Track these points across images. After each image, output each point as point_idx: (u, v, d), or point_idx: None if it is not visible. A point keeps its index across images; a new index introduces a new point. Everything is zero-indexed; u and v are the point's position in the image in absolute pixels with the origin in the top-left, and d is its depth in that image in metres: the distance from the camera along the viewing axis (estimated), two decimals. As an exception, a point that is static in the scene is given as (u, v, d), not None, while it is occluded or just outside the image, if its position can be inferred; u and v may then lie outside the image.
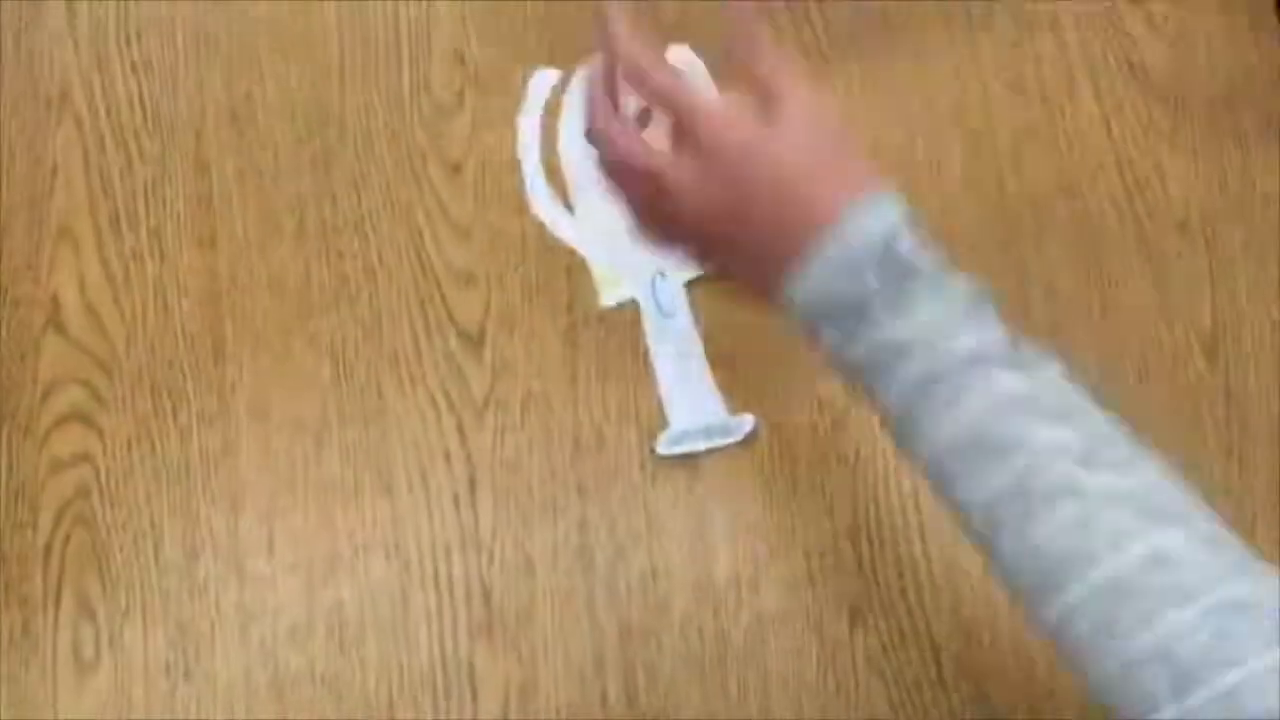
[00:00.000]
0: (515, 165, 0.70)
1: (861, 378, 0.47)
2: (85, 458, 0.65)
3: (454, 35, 0.72)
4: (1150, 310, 0.69)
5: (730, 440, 0.67)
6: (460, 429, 0.66)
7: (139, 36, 0.71)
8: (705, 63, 0.71)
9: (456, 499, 0.65)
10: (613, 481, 0.66)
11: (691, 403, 0.67)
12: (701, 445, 0.67)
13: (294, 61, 0.71)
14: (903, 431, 0.46)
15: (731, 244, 0.49)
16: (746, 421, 0.67)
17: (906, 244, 0.45)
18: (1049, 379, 0.47)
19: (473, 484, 0.66)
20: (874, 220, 0.45)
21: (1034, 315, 0.69)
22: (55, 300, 0.67)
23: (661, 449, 0.67)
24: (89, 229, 0.68)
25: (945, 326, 0.45)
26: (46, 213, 0.68)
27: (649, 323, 0.69)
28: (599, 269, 0.69)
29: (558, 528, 0.65)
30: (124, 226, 0.68)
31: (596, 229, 0.70)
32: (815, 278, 0.45)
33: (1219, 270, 0.69)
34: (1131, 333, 0.69)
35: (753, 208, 0.47)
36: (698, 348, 0.68)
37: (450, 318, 0.68)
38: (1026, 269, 0.69)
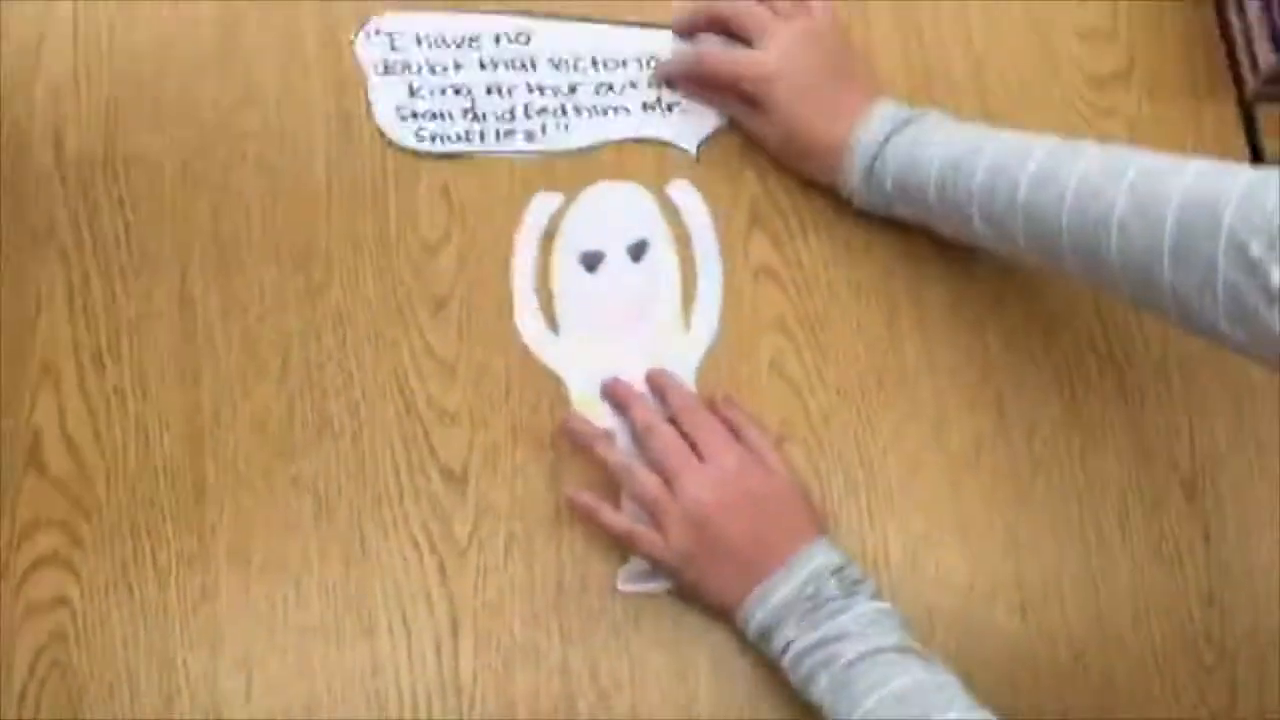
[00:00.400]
0: (500, 302, 0.71)
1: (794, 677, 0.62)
2: (62, 602, 0.64)
3: (441, 172, 0.73)
4: (1129, 451, 0.70)
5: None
6: (442, 570, 0.66)
7: (126, 171, 0.71)
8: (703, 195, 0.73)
9: (438, 643, 0.65)
10: (595, 624, 0.66)
11: (658, 540, 0.68)
12: (664, 585, 0.67)
13: (281, 198, 0.71)
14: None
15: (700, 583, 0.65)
16: None
17: (832, 584, 0.61)
18: (941, 675, 0.60)
19: (454, 627, 0.65)
20: (812, 564, 0.62)
21: (1015, 454, 0.70)
22: (36, 436, 0.67)
23: (622, 585, 0.67)
24: (71, 364, 0.68)
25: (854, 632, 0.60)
26: (29, 347, 0.68)
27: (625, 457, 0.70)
28: (578, 397, 0.70)
29: (539, 672, 0.65)
30: (107, 362, 0.68)
31: (579, 357, 0.70)
32: (765, 609, 0.62)
33: (1197, 412, 0.71)
34: (1111, 474, 0.70)
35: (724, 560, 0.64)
36: (672, 485, 0.69)
37: (434, 456, 0.68)
38: (1005, 406, 0.71)
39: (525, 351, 0.70)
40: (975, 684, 0.59)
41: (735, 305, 0.71)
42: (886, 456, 0.69)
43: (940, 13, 0.77)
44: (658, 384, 0.69)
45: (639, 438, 0.67)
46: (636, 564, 0.67)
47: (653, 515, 0.65)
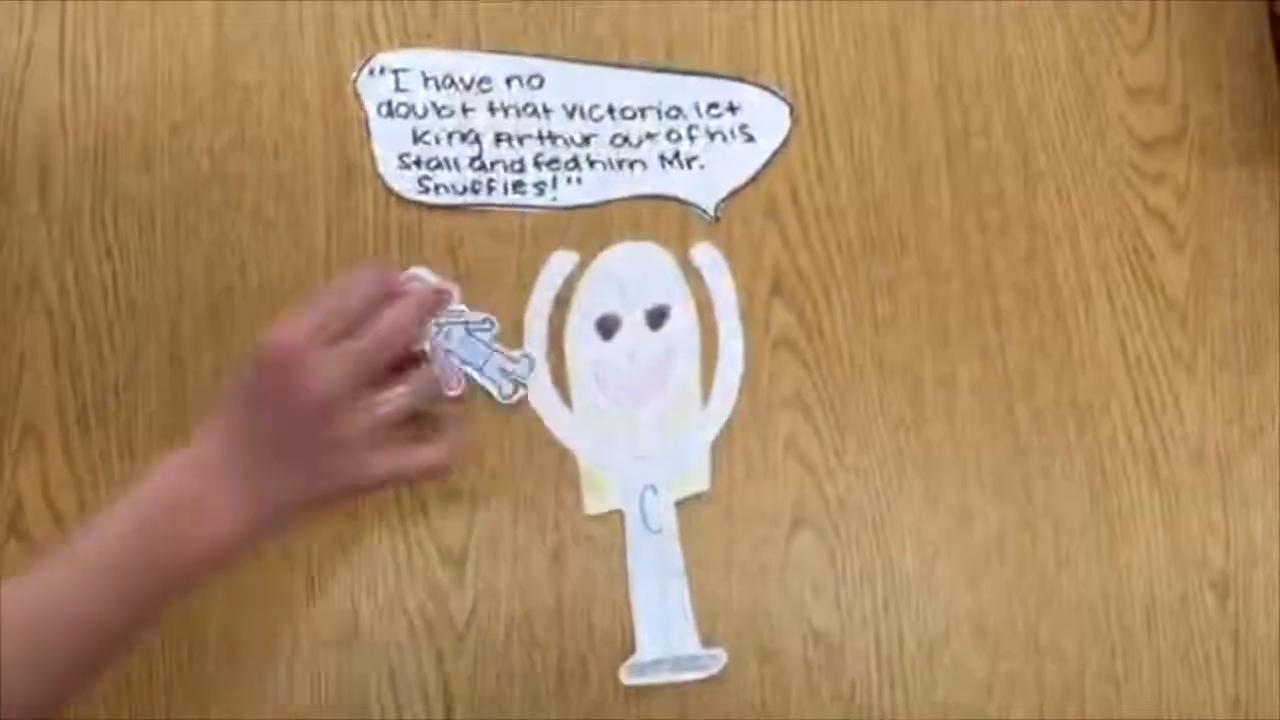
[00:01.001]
0: (528, 353, 0.68)
1: None
2: (44, 679, 0.63)
3: (446, 225, 0.69)
4: (1161, 547, 0.67)
5: (700, 675, 0.65)
6: (439, 658, 0.65)
7: (115, 219, 0.68)
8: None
9: (433, 732, 0.64)
10: (597, 715, 0.64)
11: (663, 630, 0.66)
12: (669, 678, 0.65)
13: (277, 251, 0.69)
14: None
15: None
16: (719, 657, 0.65)
17: None
18: None
19: (450, 717, 0.64)
20: None
21: (1040, 547, 0.67)
22: (18, 503, 0.65)
23: (626, 679, 0.65)
24: (55, 426, 0.66)
25: None
26: (12, 408, 0.66)
27: (632, 537, 0.67)
28: (588, 474, 0.67)
29: (538, 768, 0.64)
30: (93, 424, 0.66)
31: (592, 431, 0.68)
32: None
33: (1234, 507, 0.68)
34: (1140, 570, 0.67)
35: None
36: (680, 569, 0.66)
37: (432, 534, 0.66)
38: (1033, 496, 0.68)
39: (532, 421, 0.67)
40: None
41: (753, 379, 0.68)
42: (905, 545, 0.67)
43: (981, 66, 0.73)
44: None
45: None
46: (642, 655, 0.65)
47: None
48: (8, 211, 0.68)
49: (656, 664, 0.65)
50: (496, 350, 0.67)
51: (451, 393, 0.66)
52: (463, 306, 0.67)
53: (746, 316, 0.69)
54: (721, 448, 0.68)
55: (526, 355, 0.67)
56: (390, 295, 0.63)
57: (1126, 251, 0.71)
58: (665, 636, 0.66)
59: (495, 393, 0.67)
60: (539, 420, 0.67)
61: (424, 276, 0.68)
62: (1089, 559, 0.67)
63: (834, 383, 0.69)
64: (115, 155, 0.69)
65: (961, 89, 0.72)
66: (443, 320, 0.66)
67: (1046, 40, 0.74)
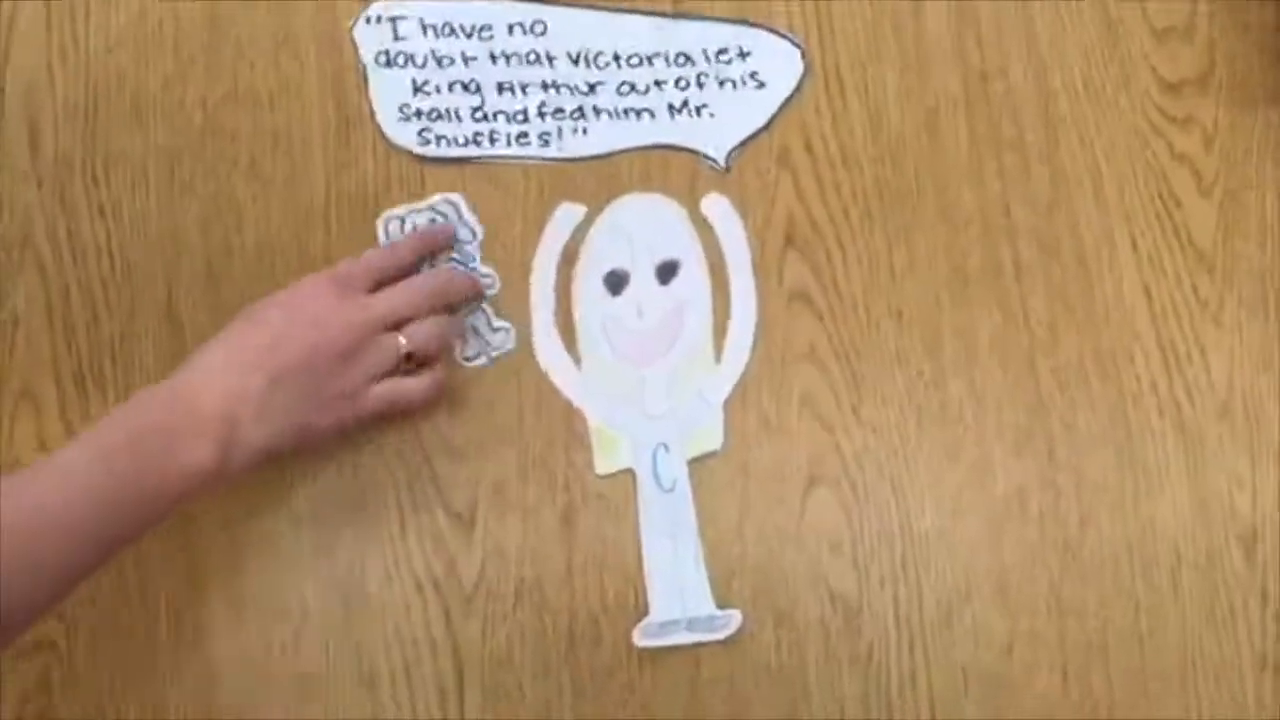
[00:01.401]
0: (514, 324, 0.67)
1: None
2: (49, 645, 0.62)
3: (448, 178, 0.68)
4: (1186, 501, 0.66)
5: (715, 637, 0.64)
6: (447, 616, 0.64)
7: (107, 176, 0.67)
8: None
9: (443, 695, 0.63)
10: (608, 679, 0.63)
11: (677, 591, 0.65)
12: (684, 639, 0.64)
13: (275, 208, 0.67)
14: None
15: None
16: (734, 618, 0.64)
17: None
18: None
19: (460, 679, 0.63)
20: None
21: (1063, 502, 0.66)
22: (15, 465, 0.63)
23: (639, 640, 0.64)
24: (52, 388, 0.65)
25: None
26: (6, 370, 0.65)
27: (644, 496, 0.66)
28: (598, 432, 0.66)
29: (550, 729, 0.63)
30: (89, 385, 0.65)
31: (602, 389, 0.66)
32: None
33: (1261, 459, 0.66)
34: (1165, 525, 0.66)
35: None
36: (693, 528, 0.65)
37: (439, 493, 0.65)
38: (1055, 451, 0.66)
39: (541, 380, 0.66)
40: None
41: (767, 334, 0.67)
42: (924, 502, 0.65)
43: (1000, 5, 0.71)
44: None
45: None
46: (655, 616, 0.64)
47: None
48: (-3, 168, 0.67)
49: (670, 625, 0.64)
50: (483, 309, 0.66)
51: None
52: (477, 254, 0.66)
53: (759, 269, 0.68)
54: (735, 405, 0.66)
55: (506, 327, 0.66)
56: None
57: (1152, 198, 0.69)
58: (679, 597, 0.65)
59: (456, 350, 0.66)
60: (547, 378, 0.66)
61: (457, 203, 0.66)
62: (1112, 515, 0.66)
63: (850, 336, 0.67)
64: (106, 110, 0.68)
65: (980, 29, 0.70)
66: (451, 257, 0.66)
67: (1068, -21, 0.72)
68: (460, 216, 0.67)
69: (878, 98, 0.70)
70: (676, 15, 0.70)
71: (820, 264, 0.68)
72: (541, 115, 0.69)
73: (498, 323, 0.66)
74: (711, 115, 0.69)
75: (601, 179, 0.68)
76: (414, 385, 0.63)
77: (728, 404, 0.66)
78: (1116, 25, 0.71)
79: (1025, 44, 0.70)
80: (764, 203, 0.68)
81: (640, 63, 0.69)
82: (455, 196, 0.67)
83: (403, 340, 0.62)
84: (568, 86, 0.69)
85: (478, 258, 0.66)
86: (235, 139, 0.68)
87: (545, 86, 0.69)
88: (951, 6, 0.71)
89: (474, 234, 0.66)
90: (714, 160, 0.69)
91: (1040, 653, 0.65)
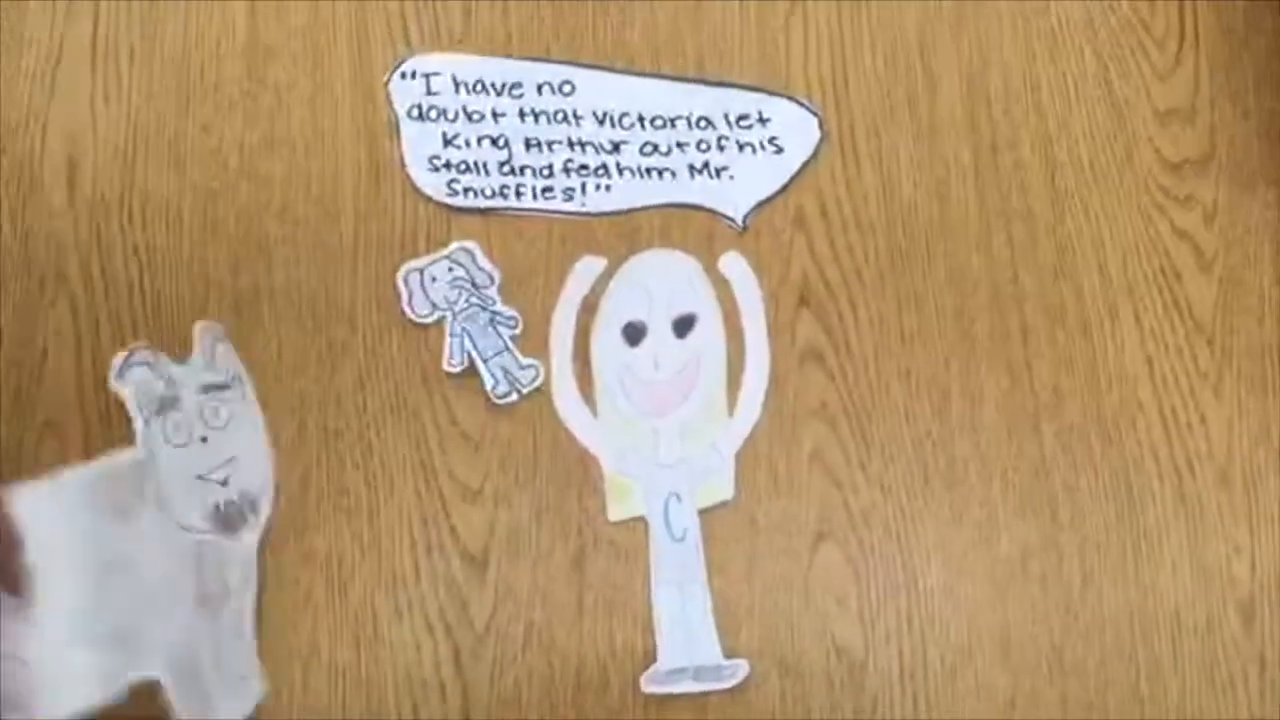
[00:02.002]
0: (538, 364, 0.69)
1: None
2: (58, 674, 0.63)
3: (474, 229, 0.70)
4: (1186, 566, 0.68)
5: (721, 687, 0.65)
6: (457, 659, 0.65)
7: (143, 215, 0.69)
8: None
9: (449, 736, 0.64)
10: (615, 724, 0.65)
11: (684, 640, 0.66)
12: (690, 687, 0.65)
13: (304, 251, 0.69)
14: None
15: None
16: (740, 668, 0.66)
17: None
18: None
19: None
20: None
21: (1065, 564, 0.67)
22: (36, 496, 0.66)
23: (646, 687, 0.65)
24: (77, 423, 0.66)
25: None
26: (33, 400, 0.67)
27: (655, 544, 0.67)
28: (611, 480, 0.68)
29: (555, 774, 0.64)
30: (114, 421, 0.66)
31: (616, 437, 0.68)
32: None
33: (1260, 527, 0.68)
34: (1166, 588, 0.68)
35: None
36: (702, 578, 0.67)
37: (454, 535, 0.66)
38: (1058, 513, 0.68)
39: (557, 427, 0.68)
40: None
41: (778, 389, 0.69)
42: (929, 559, 0.67)
43: (1010, 85, 0.74)
44: None
45: None
46: (663, 664, 0.65)
47: None
48: (36, 202, 0.69)
49: (677, 673, 0.65)
50: (509, 349, 0.68)
51: (450, 368, 0.67)
52: (497, 296, 0.68)
53: (773, 327, 0.70)
54: (746, 458, 0.68)
55: (534, 365, 0.68)
56: None
57: (1154, 272, 0.72)
58: (686, 646, 0.66)
59: (490, 387, 0.68)
60: (563, 425, 0.68)
61: (472, 250, 0.69)
62: (1114, 577, 0.68)
63: (860, 395, 0.69)
64: (145, 152, 0.70)
65: (991, 104, 0.74)
66: (472, 301, 0.68)
67: (1075, 62, 0.75)
68: (475, 262, 0.69)
69: (891, 166, 0.73)
70: (699, 81, 0.73)
71: (832, 324, 0.70)
72: (567, 171, 0.71)
73: (525, 361, 0.68)
74: (731, 177, 0.72)
75: (622, 234, 0.71)
76: None
77: (739, 457, 0.68)
78: (1122, 106, 0.74)
79: (1034, 119, 0.74)
80: (779, 263, 0.71)
81: (663, 124, 0.72)
82: (471, 244, 0.69)
83: None
84: (593, 145, 0.72)
85: (498, 300, 0.68)
86: (269, 183, 0.70)
87: (571, 144, 0.72)
88: (964, 82, 0.74)
89: (491, 279, 0.69)
90: (732, 220, 0.71)
91: (1042, 711, 0.66)
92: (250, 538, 0.64)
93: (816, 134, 0.73)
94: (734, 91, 0.73)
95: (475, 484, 0.67)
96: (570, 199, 0.71)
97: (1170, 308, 0.71)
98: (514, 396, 0.68)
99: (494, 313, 0.68)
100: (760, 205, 0.72)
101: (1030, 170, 0.73)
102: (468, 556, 0.66)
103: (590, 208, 0.71)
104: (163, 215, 0.69)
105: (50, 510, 0.61)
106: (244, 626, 0.64)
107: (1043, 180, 0.73)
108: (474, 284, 0.69)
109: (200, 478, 0.64)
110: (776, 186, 0.72)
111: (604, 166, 0.72)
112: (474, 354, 0.68)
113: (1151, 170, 0.73)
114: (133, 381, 0.65)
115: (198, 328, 0.66)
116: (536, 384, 0.68)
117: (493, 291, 0.68)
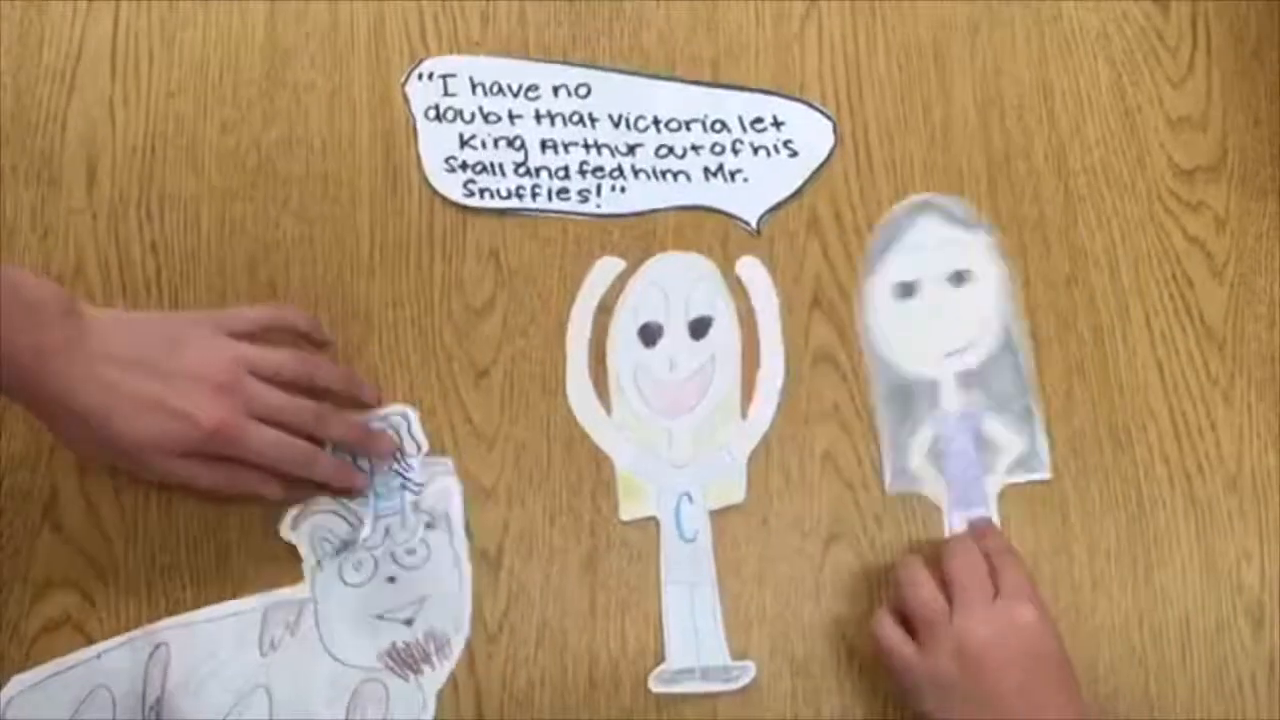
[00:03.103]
0: (546, 372, 0.70)
1: None
2: (74, 667, 0.64)
3: (490, 229, 0.72)
4: (1196, 572, 0.69)
5: (728, 687, 0.66)
6: (470, 658, 0.66)
7: (161, 213, 0.71)
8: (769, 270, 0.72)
9: (462, 734, 0.65)
10: (627, 723, 0.66)
11: (692, 640, 0.67)
12: (698, 688, 0.66)
13: (321, 250, 0.71)
14: None
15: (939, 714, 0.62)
16: (748, 669, 0.66)
17: None
18: None
19: (480, 718, 0.65)
20: None
21: (1075, 568, 0.68)
22: (53, 493, 0.66)
23: (654, 686, 0.66)
24: (94, 416, 0.68)
25: None
26: (51, 396, 0.68)
27: (665, 545, 0.68)
28: (624, 479, 0.69)
29: (567, 774, 0.65)
30: (131, 416, 0.68)
31: (630, 437, 0.69)
32: None
33: (1270, 535, 0.69)
34: (1176, 594, 0.68)
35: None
36: (712, 579, 0.68)
37: (467, 535, 0.67)
38: (1068, 518, 0.69)
39: (571, 427, 0.69)
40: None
41: (791, 391, 0.70)
42: (940, 562, 0.69)
43: (1023, 92, 0.76)
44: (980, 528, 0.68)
45: (947, 547, 0.65)
46: (671, 664, 0.66)
47: (923, 626, 0.63)
48: (55, 199, 0.70)
49: (684, 673, 0.66)
50: (408, 506, 0.67)
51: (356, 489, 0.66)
52: (416, 465, 0.67)
53: (786, 330, 0.71)
54: (759, 459, 0.69)
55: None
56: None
57: (1165, 278, 0.73)
58: (695, 646, 0.67)
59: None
60: (578, 424, 0.69)
61: (409, 416, 0.68)
62: (1123, 583, 0.69)
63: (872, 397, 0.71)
64: (163, 151, 0.72)
65: (1004, 111, 0.75)
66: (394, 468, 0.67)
67: (1089, 69, 0.76)
68: (409, 430, 0.68)
69: (904, 170, 0.74)
70: (715, 84, 0.75)
71: (845, 325, 0.71)
72: (582, 173, 0.73)
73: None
74: (745, 180, 0.73)
75: (637, 236, 0.72)
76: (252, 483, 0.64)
77: (752, 458, 0.70)
78: (1134, 113, 0.75)
79: (1047, 126, 0.75)
80: (792, 265, 0.72)
81: (679, 127, 0.74)
82: (410, 411, 0.69)
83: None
84: (608, 147, 0.73)
85: (416, 467, 0.67)
86: (286, 183, 0.72)
87: (587, 146, 0.73)
88: (978, 88, 0.76)
89: (419, 447, 0.68)
90: (746, 223, 0.73)
91: (1051, 715, 0.67)
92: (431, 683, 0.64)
93: (830, 138, 0.74)
94: (749, 95, 0.75)
95: (488, 482, 0.68)
96: (585, 201, 0.72)
97: (1181, 314, 0.72)
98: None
99: (407, 480, 0.67)
100: (774, 208, 0.73)
101: (1042, 177, 0.74)
102: (481, 556, 0.67)
103: (605, 209, 0.72)
104: (181, 215, 0.71)
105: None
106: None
107: (1055, 187, 0.74)
108: (400, 451, 0.67)
109: (380, 617, 0.64)
110: (790, 190, 0.73)
111: (619, 169, 0.73)
112: (373, 508, 0.66)
113: (1163, 177, 0.74)
114: (309, 530, 0.64)
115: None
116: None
117: (415, 460, 0.67)
